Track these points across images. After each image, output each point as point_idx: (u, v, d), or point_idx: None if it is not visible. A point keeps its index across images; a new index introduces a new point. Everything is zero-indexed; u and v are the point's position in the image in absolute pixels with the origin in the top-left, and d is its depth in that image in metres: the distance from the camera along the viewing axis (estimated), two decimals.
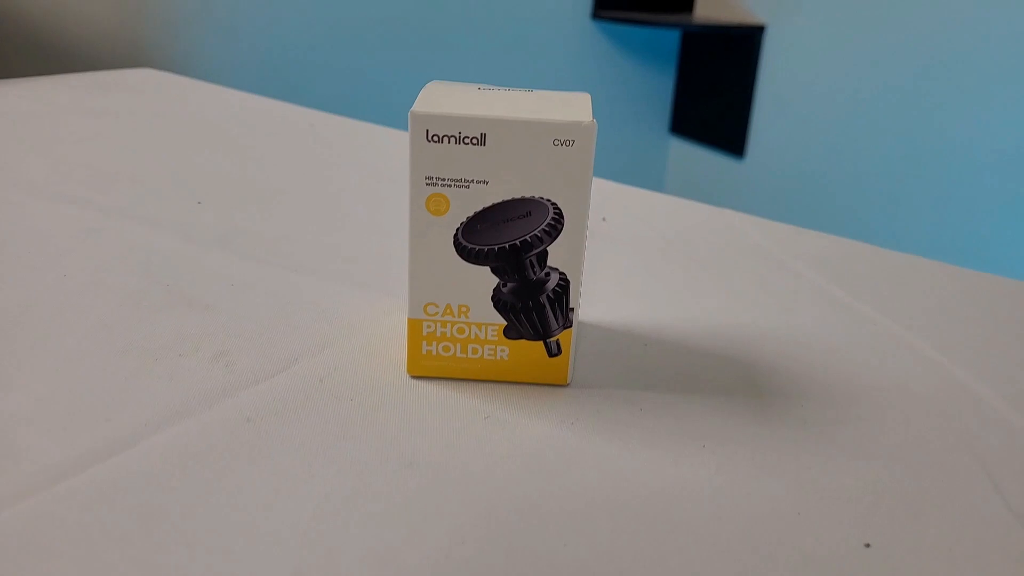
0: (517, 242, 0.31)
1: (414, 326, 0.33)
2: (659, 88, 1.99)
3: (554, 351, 0.33)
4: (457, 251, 0.32)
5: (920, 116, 1.53)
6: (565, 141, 0.30)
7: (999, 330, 0.43)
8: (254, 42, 1.40)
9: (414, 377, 0.34)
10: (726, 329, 0.41)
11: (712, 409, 0.34)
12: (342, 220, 0.53)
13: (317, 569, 0.24)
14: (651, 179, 2.09)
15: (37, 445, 0.28)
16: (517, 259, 0.32)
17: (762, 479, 0.29)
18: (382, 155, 0.70)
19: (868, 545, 0.27)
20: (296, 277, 0.44)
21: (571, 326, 0.33)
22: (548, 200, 0.31)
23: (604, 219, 0.56)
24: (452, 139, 0.30)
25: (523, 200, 0.31)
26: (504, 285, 0.32)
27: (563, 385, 0.34)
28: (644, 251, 0.51)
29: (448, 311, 0.33)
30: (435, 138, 0.30)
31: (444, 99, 0.31)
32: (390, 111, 1.58)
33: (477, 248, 0.31)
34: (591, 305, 0.42)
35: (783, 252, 0.52)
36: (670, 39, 1.94)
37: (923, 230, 1.56)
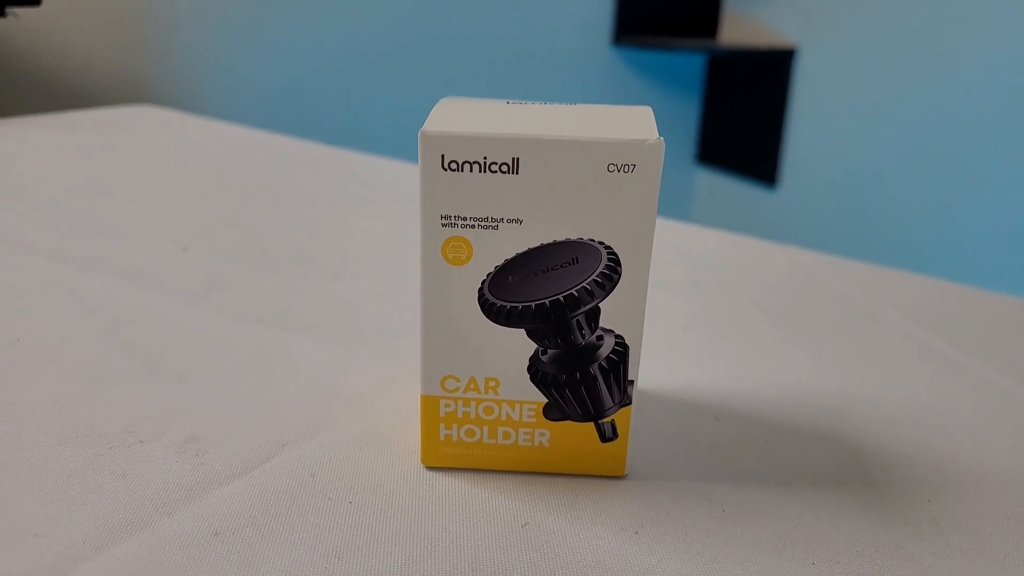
0: (560, 297, 0.24)
1: (429, 405, 0.26)
2: (684, 116, 1.92)
3: (608, 435, 0.26)
4: (483, 310, 0.25)
5: (965, 140, 1.45)
6: (623, 166, 0.23)
7: None
8: (257, 74, 1.36)
9: (429, 469, 0.27)
10: (815, 398, 0.33)
11: (814, 508, 0.26)
12: (347, 269, 0.46)
13: None
14: (677, 210, 2.02)
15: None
16: (561, 319, 0.24)
17: None
18: (394, 193, 0.63)
19: None
20: (289, 337, 0.37)
21: (630, 403, 0.26)
22: (600, 243, 0.24)
23: None
24: (476, 166, 0.23)
25: (568, 244, 0.24)
26: (544, 352, 0.25)
27: (620, 477, 0.27)
28: (699, 297, 0.44)
29: (472, 386, 0.26)
30: (453, 165, 0.23)
31: (463, 117, 0.24)
32: (401, 143, 1.53)
33: (509, 306, 0.24)
34: (644, 367, 0.35)
35: (867, 298, 0.44)
36: (694, 64, 1.88)
37: (975, 261, 1.48)
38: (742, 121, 1.81)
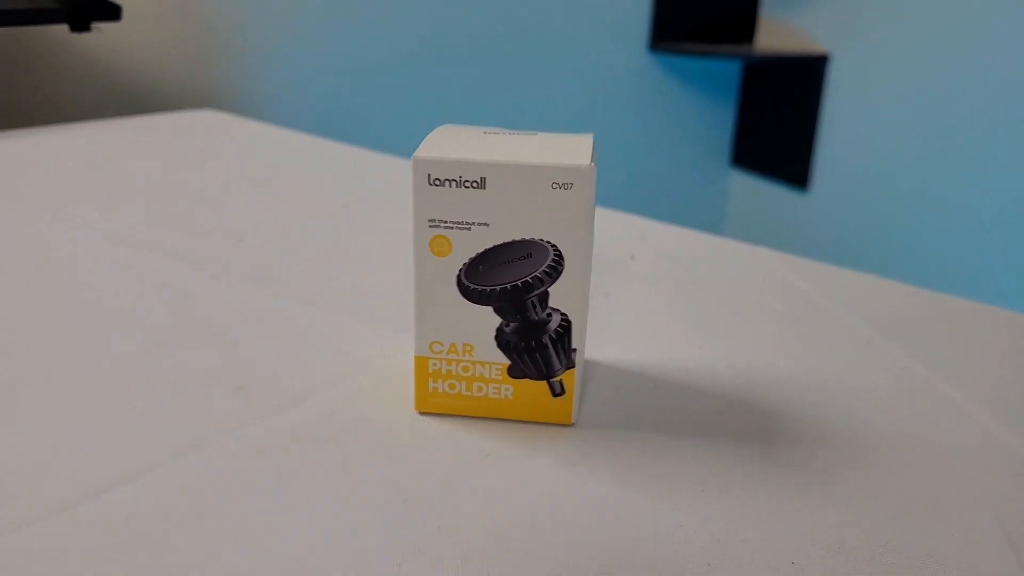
0: (518, 283, 0.32)
1: (420, 364, 0.34)
2: (719, 120, 1.97)
3: (558, 391, 0.34)
4: (460, 291, 0.32)
5: (995, 147, 1.48)
6: (564, 184, 0.30)
7: None
8: (315, 81, 1.46)
9: (421, 413, 0.35)
10: (743, 371, 0.40)
11: (717, 453, 0.33)
12: (372, 261, 0.55)
13: None
14: (712, 211, 2.07)
15: (63, 468, 0.30)
16: (518, 300, 0.32)
17: (759, 527, 0.29)
18: None
19: None
20: (318, 313, 0.45)
21: (574, 366, 0.33)
22: (548, 242, 0.31)
23: (633, 257, 0.56)
24: (453, 183, 0.31)
25: (523, 242, 0.31)
26: (507, 325, 0.33)
27: (568, 425, 0.35)
28: (669, 290, 0.51)
29: (453, 349, 0.33)
30: (437, 182, 0.31)
31: (447, 144, 0.32)
32: None
33: (479, 289, 0.32)
34: (607, 345, 0.43)
35: (814, 290, 0.51)
36: (730, 69, 1.93)
37: (996, 266, 1.51)
38: (776, 125, 1.86)
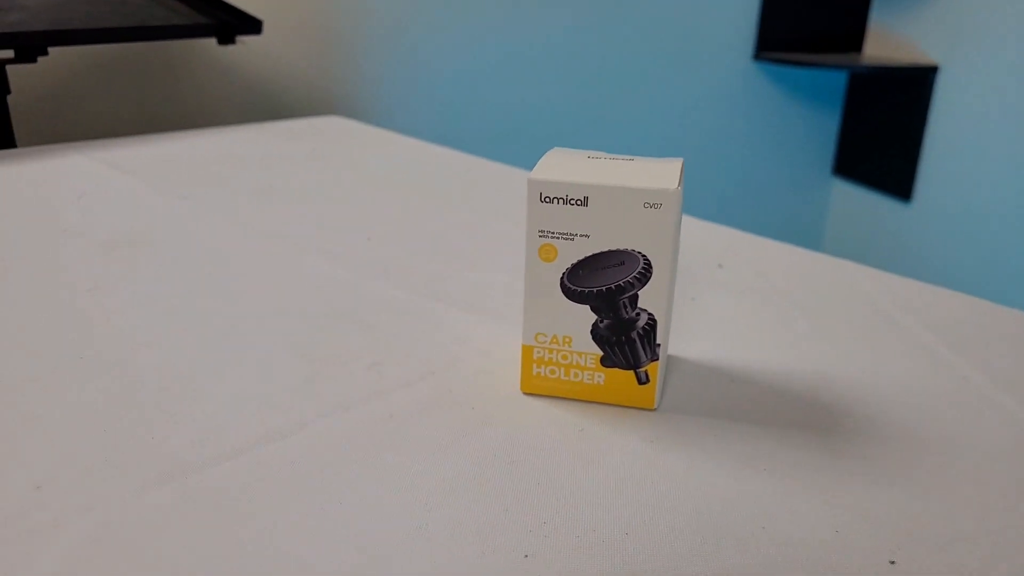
0: (612, 286, 0.38)
1: (527, 351, 0.40)
2: (823, 128, 1.96)
3: (643, 380, 0.39)
4: (563, 292, 0.38)
5: None
6: (654, 204, 0.36)
7: None
8: (434, 90, 1.55)
9: (526, 394, 0.41)
10: (814, 374, 0.45)
11: (780, 441, 0.38)
12: (482, 261, 0.61)
13: (438, 531, 0.31)
14: (813, 219, 2.06)
15: (240, 423, 0.38)
16: (613, 300, 0.38)
17: (808, 501, 0.34)
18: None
19: (893, 562, 0.31)
20: (441, 306, 0.52)
21: (658, 359, 0.39)
22: (639, 252, 0.37)
23: (720, 265, 0.61)
24: (561, 200, 0.37)
25: (618, 252, 0.37)
26: (601, 321, 0.39)
27: (650, 409, 0.40)
28: (752, 298, 0.56)
29: (555, 340, 0.40)
30: (547, 199, 0.37)
31: (557, 166, 0.38)
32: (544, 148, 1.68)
33: (580, 290, 0.38)
34: (691, 344, 0.48)
35: (893, 305, 0.55)
36: (836, 79, 1.92)
37: None
38: (881, 136, 1.84)
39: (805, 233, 2.08)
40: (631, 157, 0.41)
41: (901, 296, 0.56)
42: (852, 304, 0.55)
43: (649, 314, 0.38)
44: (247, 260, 0.59)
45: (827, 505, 0.34)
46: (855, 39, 1.87)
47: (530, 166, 0.97)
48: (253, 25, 1.08)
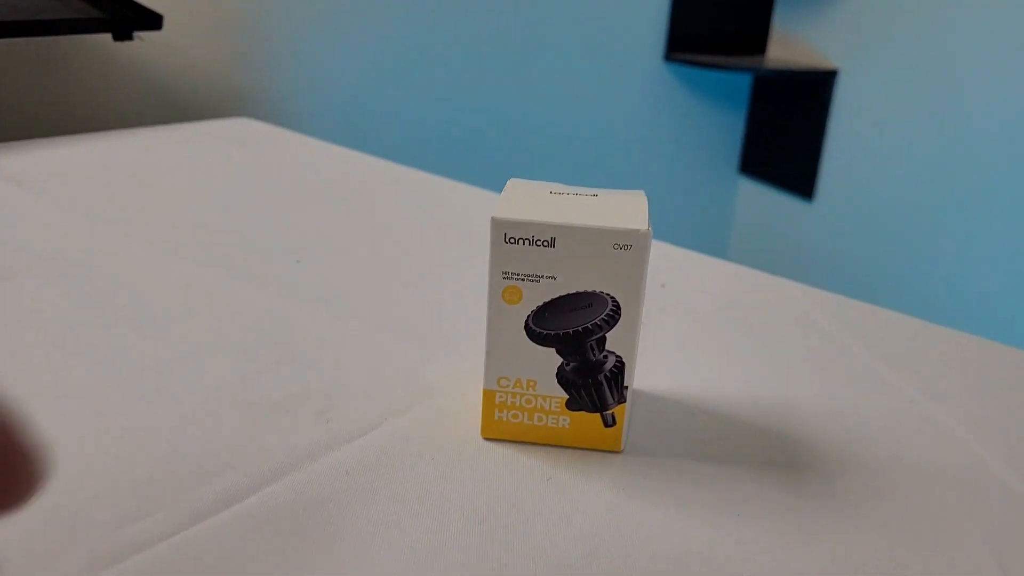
0: (580, 328, 0.36)
1: (488, 396, 0.38)
2: (730, 128, 2.01)
3: (610, 422, 0.38)
4: (528, 335, 0.36)
5: (1002, 166, 1.52)
6: (624, 245, 0.35)
7: None
8: (339, 92, 1.49)
9: (486, 440, 0.39)
10: (770, 403, 0.45)
11: (749, 480, 0.38)
12: (423, 279, 0.59)
13: None
14: (721, 216, 2.11)
15: (173, 492, 0.34)
16: (580, 343, 0.36)
17: (792, 549, 0.33)
18: (462, 214, 0.75)
19: None
20: (386, 338, 0.49)
21: (625, 401, 0.38)
22: (607, 294, 0.35)
23: (663, 285, 0.60)
24: (527, 241, 0.35)
25: (586, 293, 0.36)
26: (567, 364, 0.37)
27: (617, 452, 0.39)
28: (698, 320, 0.55)
29: (518, 384, 0.38)
30: (512, 240, 0.35)
31: (520, 204, 0.36)
32: (469, 163, 1.65)
33: (545, 332, 0.36)
34: (645, 370, 0.47)
35: (832, 324, 0.55)
36: (742, 81, 1.96)
37: (996, 281, 1.55)
38: (784, 137, 1.90)
39: (713, 229, 2.13)
40: (594, 191, 0.39)
41: (837, 313, 0.57)
42: (793, 324, 0.55)
43: (617, 356, 0.37)
44: (163, 288, 0.54)
45: (808, 554, 0.33)
46: (759, 42, 1.92)
47: (443, 170, 0.94)
48: (152, 20, 1.01)
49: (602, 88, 1.81)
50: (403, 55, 1.56)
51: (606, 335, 0.36)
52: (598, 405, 0.38)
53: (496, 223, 0.35)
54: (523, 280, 0.36)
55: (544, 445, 0.39)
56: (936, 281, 1.66)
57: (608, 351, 0.36)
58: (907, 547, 0.34)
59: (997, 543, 0.35)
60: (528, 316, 0.36)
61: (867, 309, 0.59)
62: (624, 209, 0.36)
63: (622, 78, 1.83)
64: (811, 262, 1.92)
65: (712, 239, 2.14)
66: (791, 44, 1.89)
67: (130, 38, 0.99)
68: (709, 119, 1.98)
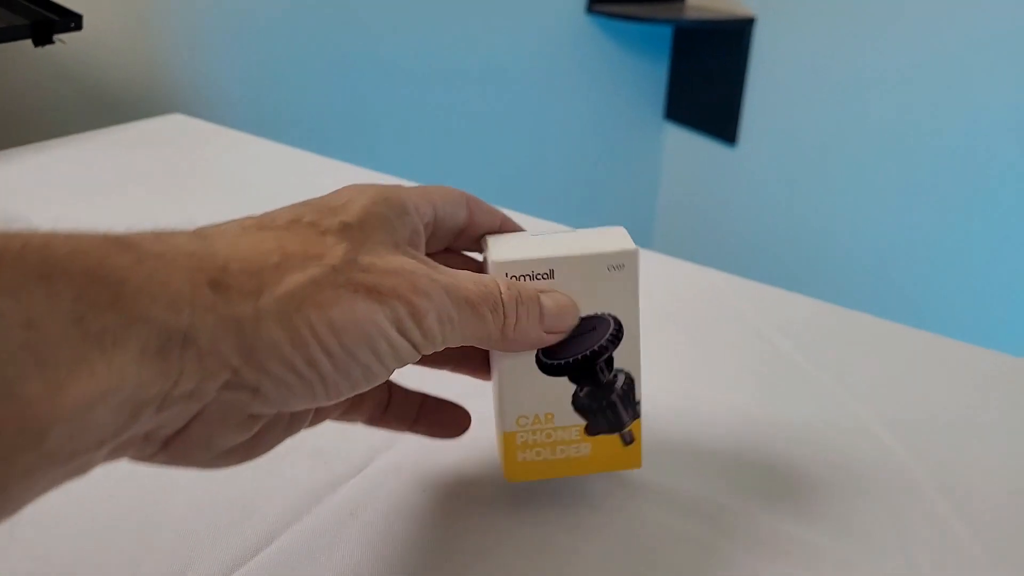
0: (589, 352, 0.37)
1: (509, 439, 0.38)
2: (654, 78, 2.05)
3: (628, 440, 0.39)
4: (540, 368, 0.37)
5: (909, 110, 1.60)
6: (617, 266, 0.36)
7: (950, 401, 0.52)
8: (276, 86, 1.47)
9: (512, 482, 0.40)
10: (742, 420, 0.50)
11: (726, 485, 0.43)
12: None
13: None
14: (650, 162, 2.17)
15: (188, 550, 0.38)
16: (591, 367, 0.37)
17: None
18: None
19: None
20: None
21: (639, 416, 0.38)
22: (608, 315, 0.37)
23: None
24: (527, 277, 0.36)
25: (589, 318, 0.36)
26: (581, 390, 0.37)
27: (637, 468, 0.40)
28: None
29: (537, 420, 0.38)
30: (513, 278, 0.36)
31: (512, 247, 0.37)
32: (397, 121, 1.66)
33: (558, 363, 0.37)
34: None
35: (758, 316, 0.61)
36: (663, 31, 2.00)
37: (912, 224, 1.65)
38: (706, 84, 1.95)
39: (643, 174, 2.19)
40: (570, 229, 0.41)
41: (770, 311, 0.63)
42: (721, 317, 0.60)
43: (625, 373, 0.37)
44: None
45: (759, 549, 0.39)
46: None
47: (375, 162, 0.96)
48: (72, 21, 0.98)
49: (527, 43, 1.82)
50: (319, 21, 1.54)
51: (613, 354, 0.37)
52: (615, 425, 0.38)
53: (497, 265, 0.35)
54: None
55: (564, 477, 0.39)
56: (852, 220, 1.76)
57: (617, 369, 0.37)
58: (810, 546, 0.40)
59: (905, 540, 0.41)
60: (538, 350, 0.36)
61: (794, 300, 0.64)
62: (608, 236, 0.38)
63: (546, 32, 1.85)
64: (736, 204, 2.00)
65: (642, 183, 2.20)
66: None
67: (51, 42, 0.96)
68: (634, 68, 2.01)
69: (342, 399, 0.29)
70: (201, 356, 0.23)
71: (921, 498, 0.43)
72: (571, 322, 0.35)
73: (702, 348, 0.56)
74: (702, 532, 0.40)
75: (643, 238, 2.27)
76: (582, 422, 0.38)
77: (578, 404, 0.37)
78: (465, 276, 0.32)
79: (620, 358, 0.37)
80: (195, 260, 0.24)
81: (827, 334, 0.59)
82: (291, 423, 0.31)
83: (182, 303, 0.23)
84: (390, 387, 0.39)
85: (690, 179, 2.10)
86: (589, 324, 0.36)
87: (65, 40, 1.07)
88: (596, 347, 0.36)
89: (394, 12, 1.60)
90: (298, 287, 0.26)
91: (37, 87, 1.22)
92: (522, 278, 0.36)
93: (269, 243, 0.27)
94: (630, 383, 0.38)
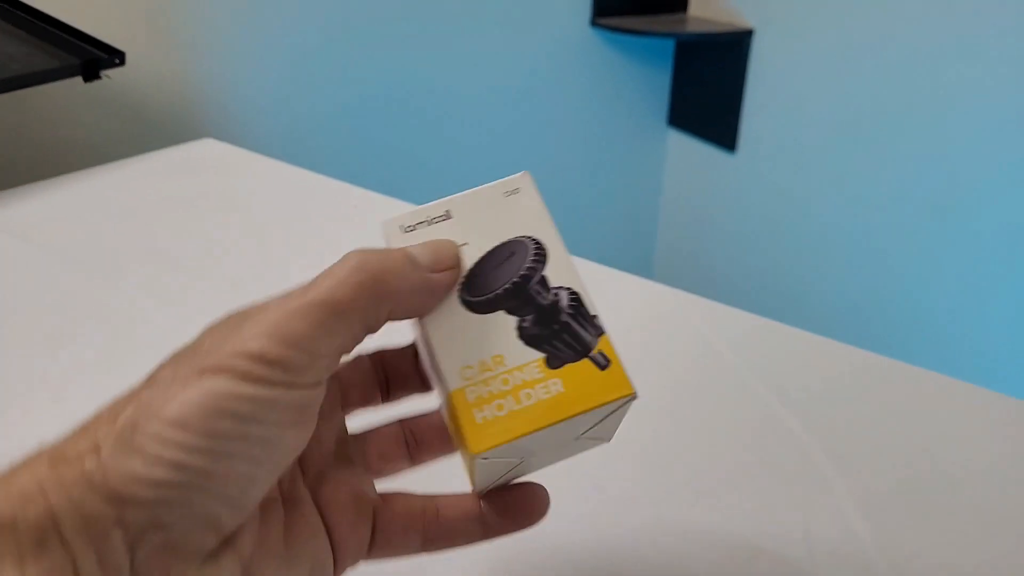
0: (517, 277, 0.33)
1: (459, 396, 0.31)
2: (658, 85, 2.14)
3: (602, 363, 0.32)
4: (469, 308, 0.32)
5: (903, 119, 1.68)
6: (512, 191, 0.34)
7: (878, 422, 0.62)
8: (300, 113, 1.58)
9: (477, 455, 0.30)
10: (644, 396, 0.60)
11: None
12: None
13: None
14: (653, 166, 2.26)
15: None
16: (524, 291, 0.33)
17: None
18: None
19: None
20: None
21: (604, 332, 0.32)
22: (523, 236, 0.34)
23: None
24: (424, 223, 0.34)
25: (503, 244, 0.33)
26: (524, 321, 0.32)
27: (630, 395, 0.32)
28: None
29: (484, 367, 0.32)
30: (410, 228, 0.34)
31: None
32: (406, 136, 1.76)
33: (486, 297, 0.33)
34: None
35: (712, 331, 0.71)
36: (666, 43, 2.08)
37: (908, 230, 1.73)
38: (707, 93, 2.03)
39: (647, 178, 2.28)
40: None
41: (729, 331, 0.72)
42: (678, 333, 0.70)
43: (567, 289, 0.33)
44: (151, 333, 0.67)
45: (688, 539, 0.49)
46: (680, 1, 2.03)
47: (379, 140, 1.04)
48: (116, 56, 1.09)
49: (533, 56, 1.92)
50: (333, 38, 1.64)
51: (544, 274, 0.33)
52: (579, 347, 0.32)
53: (388, 223, 0.34)
54: None
55: (550, 427, 0.31)
56: (844, 225, 1.84)
57: (556, 287, 0.33)
58: (740, 517, 0.50)
59: (807, 527, 0.51)
60: (459, 290, 0.33)
61: (746, 319, 0.74)
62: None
63: (552, 45, 1.94)
64: (734, 210, 2.09)
65: (647, 186, 2.29)
66: (710, 3, 2.01)
67: (98, 77, 1.08)
68: (637, 78, 2.10)
69: (260, 486, 0.25)
70: (79, 528, 0.22)
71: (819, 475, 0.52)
72: (449, 249, 0.32)
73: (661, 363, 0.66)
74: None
75: (647, 238, 2.36)
76: (539, 355, 0.32)
77: (526, 335, 0.32)
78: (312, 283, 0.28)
79: (555, 277, 0.33)
80: (31, 459, 0.24)
81: (769, 348, 0.68)
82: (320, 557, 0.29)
83: (32, 494, 0.22)
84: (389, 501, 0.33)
85: (692, 183, 2.19)
86: (507, 251, 0.33)
87: (110, 75, 1.18)
88: (524, 268, 0.33)
89: (411, 36, 1.70)
90: (129, 415, 0.24)
91: (84, 117, 1.34)
92: (417, 227, 0.34)
93: (102, 410, 0.25)
94: (576, 297, 0.33)
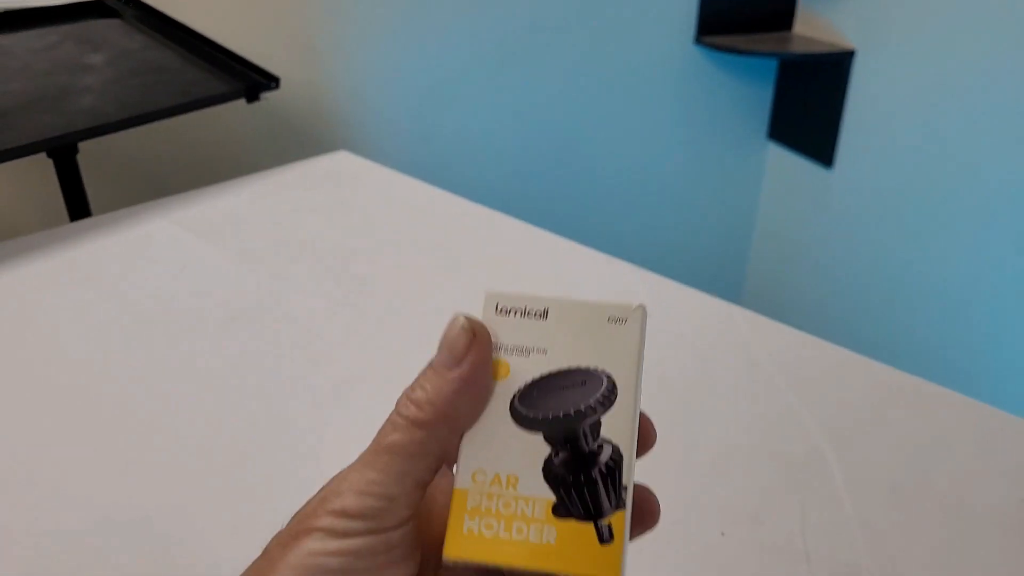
0: (572, 411, 0.31)
1: (459, 497, 0.31)
2: (759, 99, 2.21)
3: (606, 536, 0.30)
4: (513, 416, 0.31)
5: (999, 149, 1.70)
6: (618, 319, 0.32)
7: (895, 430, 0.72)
8: (427, 128, 1.76)
9: (450, 560, 0.30)
10: (697, 407, 0.73)
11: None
12: None
13: None
14: (752, 178, 2.34)
15: None
16: (573, 427, 0.31)
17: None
18: (517, 251, 1.03)
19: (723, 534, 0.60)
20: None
21: (624, 507, 0.30)
22: (603, 371, 0.31)
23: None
24: (519, 312, 0.32)
25: (580, 370, 0.31)
26: (556, 455, 0.31)
27: None
28: (651, 346, 0.83)
29: (497, 482, 0.31)
30: (504, 311, 0.32)
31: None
32: (517, 152, 1.91)
33: (534, 415, 0.31)
34: None
35: (760, 349, 0.82)
36: (769, 62, 2.16)
37: (994, 261, 1.75)
38: (807, 109, 2.10)
39: (745, 189, 2.36)
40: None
41: (774, 347, 0.84)
42: (729, 349, 0.82)
43: (613, 446, 0.31)
44: (328, 330, 0.85)
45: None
46: (786, 18, 2.11)
47: (499, 203, 1.16)
48: (273, 80, 1.30)
49: (638, 72, 2.04)
50: (472, 61, 1.80)
51: (601, 419, 0.31)
52: (591, 510, 0.31)
53: (489, 296, 0.33)
54: (511, 353, 0.32)
55: (519, 571, 0.30)
56: (937, 245, 1.88)
57: (604, 439, 0.31)
58: (743, 496, 0.63)
59: (804, 514, 0.63)
60: (514, 395, 0.31)
61: (800, 339, 0.85)
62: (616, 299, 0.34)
63: (657, 62, 2.05)
64: (829, 225, 2.14)
65: (744, 198, 2.37)
66: (814, 22, 2.08)
67: (258, 99, 1.28)
68: (739, 93, 2.19)
69: None
70: None
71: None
72: (459, 340, 0.30)
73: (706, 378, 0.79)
74: None
75: (741, 247, 2.44)
76: (551, 496, 0.31)
77: (550, 472, 0.31)
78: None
79: (609, 427, 0.31)
80: None
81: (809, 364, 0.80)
82: None
83: None
84: None
85: (788, 196, 2.25)
86: (580, 378, 0.32)
87: (268, 97, 1.39)
88: (582, 406, 0.31)
89: (532, 60, 1.85)
90: None
91: (242, 132, 1.57)
92: (513, 313, 0.32)
93: None
94: (617, 459, 0.31)
